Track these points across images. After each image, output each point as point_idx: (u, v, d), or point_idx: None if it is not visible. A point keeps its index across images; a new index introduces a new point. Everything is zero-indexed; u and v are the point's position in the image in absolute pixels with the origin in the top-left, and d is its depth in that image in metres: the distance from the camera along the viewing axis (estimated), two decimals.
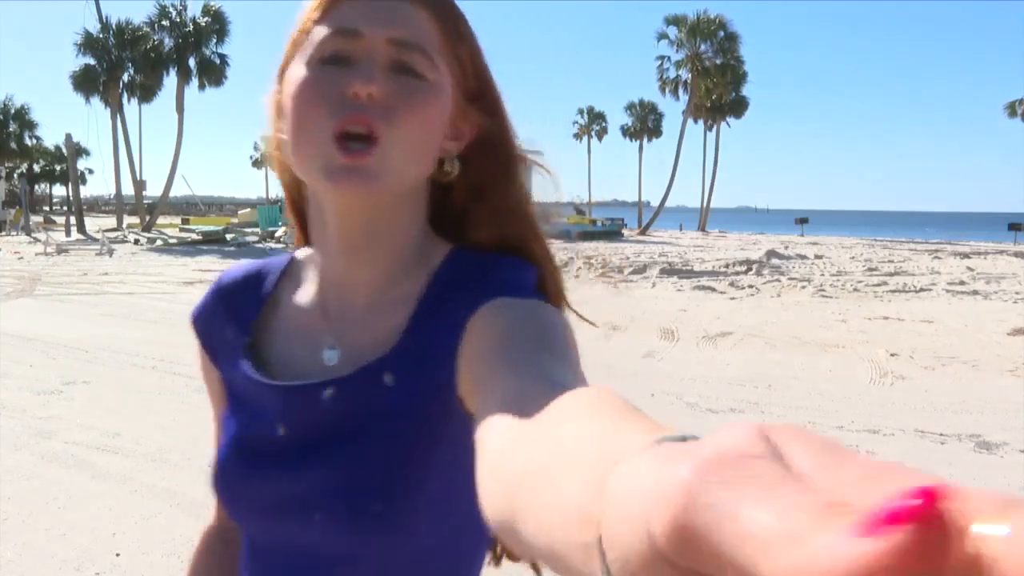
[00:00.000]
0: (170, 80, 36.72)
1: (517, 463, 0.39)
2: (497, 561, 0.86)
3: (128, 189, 39.79)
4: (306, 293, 0.81)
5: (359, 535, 0.69)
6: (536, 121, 0.86)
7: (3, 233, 31.45)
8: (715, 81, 44.43)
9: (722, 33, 44.23)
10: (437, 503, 0.70)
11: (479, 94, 0.78)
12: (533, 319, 0.65)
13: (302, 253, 0.86)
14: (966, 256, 23.68)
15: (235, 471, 0.76)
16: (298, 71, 0.73)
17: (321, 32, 0.73)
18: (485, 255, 0.77)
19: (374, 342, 0.75)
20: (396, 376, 0.72)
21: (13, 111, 48.85)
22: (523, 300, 0.69)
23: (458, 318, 0.69)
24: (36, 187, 71.09)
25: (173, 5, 36.03)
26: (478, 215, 0.79)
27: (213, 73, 36.56)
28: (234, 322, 0.82)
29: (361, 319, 0.77)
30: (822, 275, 16.60)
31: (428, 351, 0.71)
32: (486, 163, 0.79)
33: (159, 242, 25.05)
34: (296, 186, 0.83)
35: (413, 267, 0.78)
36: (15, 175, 49.84)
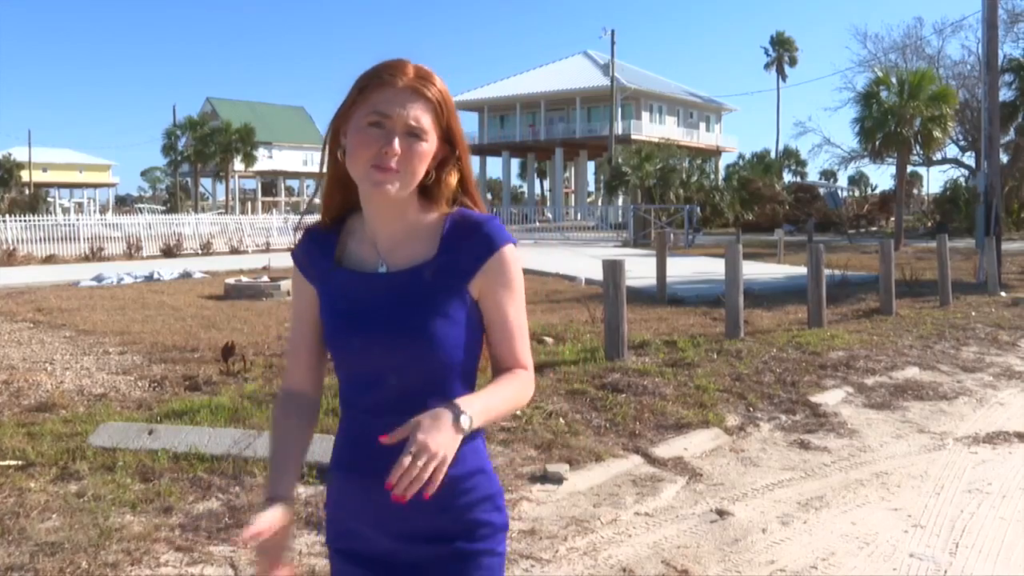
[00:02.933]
0: None
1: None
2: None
3: None
4: (361, 238, 1.54)
5: (402, 348, 1.45)
6: None
7: None
8: None
9: None
10: (447, 336, 1.44)
11: (449, 137, 1.50)
12: (511, 295, 1.48)
13: (351, 215, 1.55)
14: None
15: (341, 327, 1.48)
16: (358, 125, 1.42)
17: (370, 107, 1.42)
18: (476, 215, 1.50)
19: (410, 259, 1.47)
20: (433, 272, 1.45)
21: None
22: (509, 270, 1.47)
23: (480, 252, 1.44)
24: None
25: None
26: (448, 191, 1.53)
27: None
28: (324, 255, 1.55)
29: (393, 250, 1.49)
30: None
31: (454, 264, 1.45)
32: (456, 168, 1.53)
33: None
34: (345, 180, 1.50)
35: (416, 223, 1.49)
36: None
